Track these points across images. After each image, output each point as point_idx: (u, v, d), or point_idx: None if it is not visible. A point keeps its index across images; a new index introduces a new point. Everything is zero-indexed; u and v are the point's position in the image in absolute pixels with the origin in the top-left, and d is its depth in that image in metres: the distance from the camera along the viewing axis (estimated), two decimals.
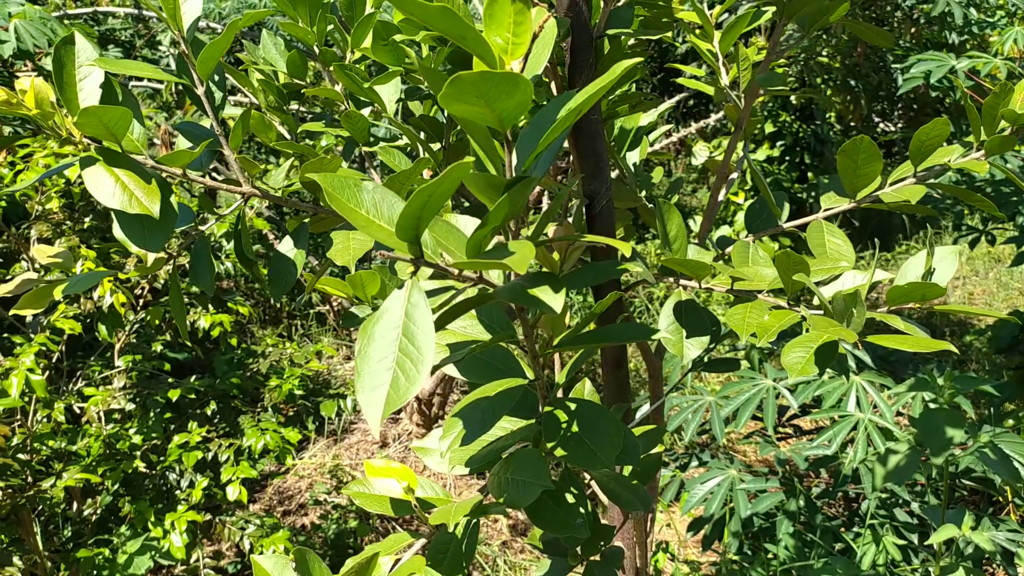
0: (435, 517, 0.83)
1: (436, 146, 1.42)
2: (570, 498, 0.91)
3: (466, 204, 1.51)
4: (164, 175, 0.91)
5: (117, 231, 0.87)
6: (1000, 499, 3.02)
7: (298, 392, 2.47)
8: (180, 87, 4.03)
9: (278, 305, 5.32)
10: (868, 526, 2.40)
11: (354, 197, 0.69)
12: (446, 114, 1.42)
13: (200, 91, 0.95)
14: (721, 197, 1.41)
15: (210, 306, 2.85)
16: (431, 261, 0.67)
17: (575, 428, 0.87)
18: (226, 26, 1.41)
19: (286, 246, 1.00)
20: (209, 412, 2.63)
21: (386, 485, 0.83)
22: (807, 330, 1.03)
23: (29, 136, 2.01)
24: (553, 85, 1.22)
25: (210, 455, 2.40)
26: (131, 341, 2.71)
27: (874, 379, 2.60)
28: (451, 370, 0.93)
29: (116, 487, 2.24)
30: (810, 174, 5.95)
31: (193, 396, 2.46)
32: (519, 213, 0.70)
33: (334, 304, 4.20)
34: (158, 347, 2.79)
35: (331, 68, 1.48)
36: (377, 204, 0.69)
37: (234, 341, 2.96)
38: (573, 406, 0.88)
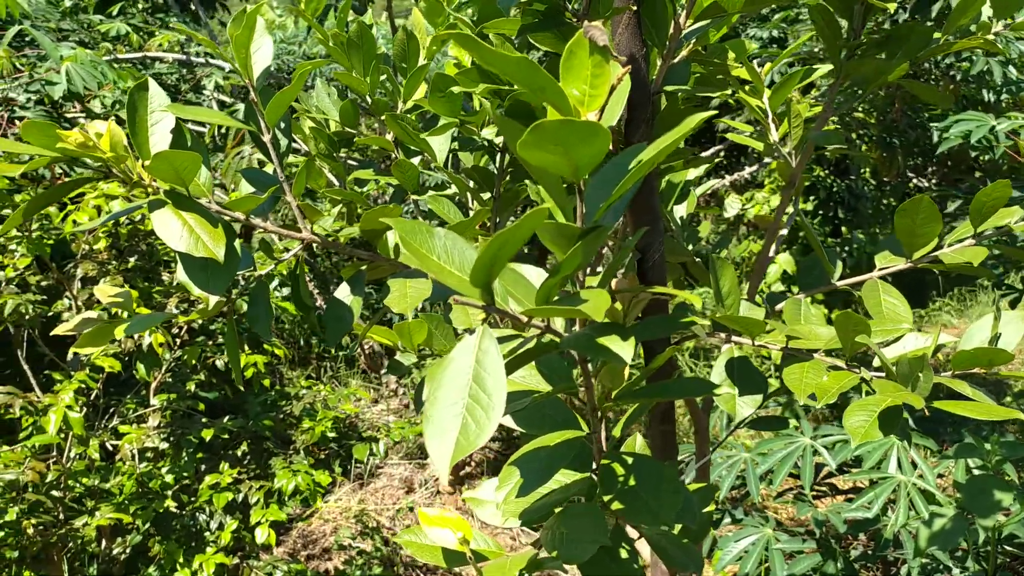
0: (489, 571, 0.81)
1: (486, 195, 1.43)
2: (624, 554, 0.89)
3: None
4: (227, 219, 0.92)
5: (180, 274, 0.88)
6: None
7: (330, 435, 2.46)
8: (223, 131, 4.08)
9: (307, 347, 5.34)
10: None
11: (426, 243, 0.69)
12: (496, 165, 1.43)
13: (266, 138, 0.96)
14: (772, 254, 1.40)
15: (246, 346, 2.87)
16: (501, 308, 0.67)
17: (632, 483, 0.85)
18: (292, 76, 1.43)
19: (342, 292, 1.01)
20: (239, 453, 2.62)
21: (440, 535, 0.82)
22: (866, 393, 1.02)
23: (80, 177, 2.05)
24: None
25: (240, 496, 2.39)
26: (166, 380, 2.73)
27: (916, 440, 2.55)
28: (505, 420, 0.92)
29: (147, 527, 2.23)
30: (843, 228, 5.92)
31: (226, 436, 2.46)
32: (589, 263, 0.69)
33: (365, 348, 4.21)
34: (192, 386, 2.80)
35: (383, 117, 1.50)
36: (448, 250, 0.70)
37: (267, 382, 2.96)
38: (630, 460, 0.87)
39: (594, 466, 0.92)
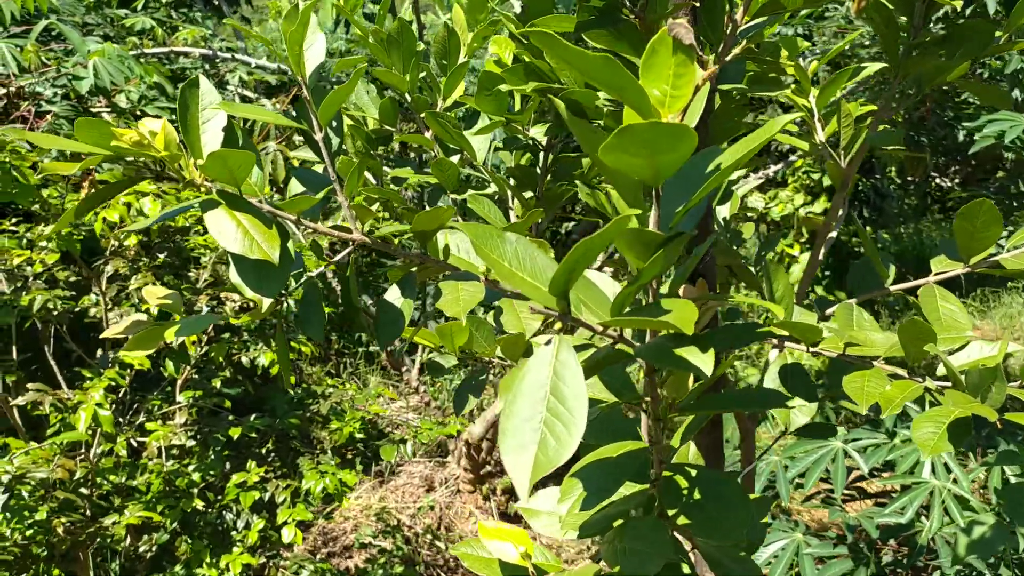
0: None
1: (528, 194, 1.41)
2: (686, 569, 0.87)
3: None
4: (280, 220, 0.90)
5: (233, 275, 0.86)
6: None
7: (359, 435, 2.45)
8: (246, 125, 4.06)
9: (327, 343, 5.33)
10: None
11: (498, 248, 0.67)
12: (540, 165, 1.40)
13: (318, 136, 0.94)
14: (820, 257, 1.37)
15: (271, 342, 2.85)
16: (576, 317, 0.65)
17: (697, 496, 0.83)
18: (334, 67, 1.41)
19: (393, 295, 0.98)
20: (264, 451, 2.61)
21: (501, 548, 0.80)
22: (930, 403, 0.98)
23: (132, 176, 2.03)
24: None
25: (267, 495, 2.37)
26: (192, 377, 2.72)
27: None
28: None
29: (174, 525, 2.22)
30: (868, 228, 5.86)
31: (253, 435, 2.45)
32: (667, 271, 0.67)
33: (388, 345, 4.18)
34: (217, 383, 2.79)
35: (423, 115, 1.48)
36: (519, 256, 0.67)
37: (292, 379, 2.95)
38: (694, 473, 0.84)
39: (651, 478, 0.89)
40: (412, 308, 0.96)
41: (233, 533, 2.36)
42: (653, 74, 0.63)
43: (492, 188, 1.52)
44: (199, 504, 2.27)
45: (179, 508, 2.20)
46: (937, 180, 7.76)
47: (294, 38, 0.91)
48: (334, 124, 0.96)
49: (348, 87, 0.90)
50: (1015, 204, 3.92)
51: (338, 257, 0.97)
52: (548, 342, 0.64)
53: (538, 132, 1.23)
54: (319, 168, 1.04)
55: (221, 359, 2.49)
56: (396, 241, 1.01)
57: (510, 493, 4.33)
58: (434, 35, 1.49)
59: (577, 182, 1.21)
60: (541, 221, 1.40)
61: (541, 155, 1.37)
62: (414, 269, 1.01)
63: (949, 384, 0.98)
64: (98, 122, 0.77)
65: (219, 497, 2.39)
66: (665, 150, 0.60)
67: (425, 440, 2.50)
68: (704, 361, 0.64)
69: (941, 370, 1.02)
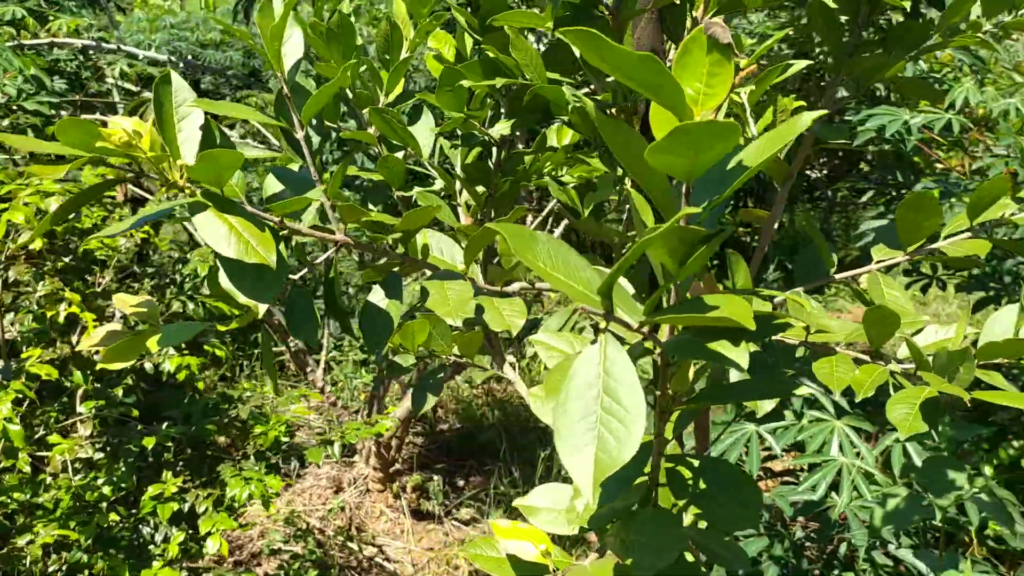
0: None
1: (481, 189, 1.40)
2: (690, 557, 0.88)
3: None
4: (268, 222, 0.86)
5: (224, 281, 0.82)
6: (966, 539, 3.09)
7: (284, 439, 2.38)
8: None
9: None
10: (861, 570, 2.43)
11: (531, 249, 0.66)
12: (491, 161, 1.40)
13: (299, 135, 0.91)
14: (764, 249, 1.41)
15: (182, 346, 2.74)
16: (618, 316, 0.65)
17: (702, 486, 0.85)
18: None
19: (377, 297, 0.96)
20: (176, 459, 2.51)
21: (519, 547, 0.79)
22: (894, 387, 1.04)
23: (111, 179, 1.91)
24: None
25: (186, 506, 2.28)
26: (93, 386, 2.58)
27: (854, 423, 2.64)
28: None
29: (88, 542, 2.10)
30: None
31: (169, 444, 2.35)
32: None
33: (291, 346, 4.09)
34: (119, 392, 2.66)
35: (366, 111, 1.45)
36: (552, 256, 0.67)
37: (200, 385, 2.84)
38: (697, 463, 0.86)
39: (647, 469, 0.91)
40: (399, 309, 0.94)
41: (152, 547, 2.26)
42: (687, 73, 0.64)
43: (439, 184, 1.50)
44: (115, 518, 2.16)
45: (93, 524, 2.09)
46: (807, 172, 8.14)
47: (274, 32, 0.88)
48: (313, 122, 0.93)
49: (334, 85, 0.87)
50: (894, 194, 4.15)
51: (321, 259, 0.94)
52: (593, 341, 0.64)
53: (504, 127, 1.23)
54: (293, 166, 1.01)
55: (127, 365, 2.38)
56: (384, 240, 0.98)
57: (421, 491, 4.30)
58: (377, 30, 1.47)
59: (547, 179, 1.21)
60: (494, 216, 1.40)
61: (494, 151, 1.36)
62: (396, 269, 0.99)
63: (912, 367, 1.03)
64: (82, 122, 0.73)
65: (134, 510, 2.28)
66: (708, 148, 0.61)
67: (353, 440, 2.45)
68: (739, 355, 0.66)
69: (901, 354, 1.08)
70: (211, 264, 2.41)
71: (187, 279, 2.63)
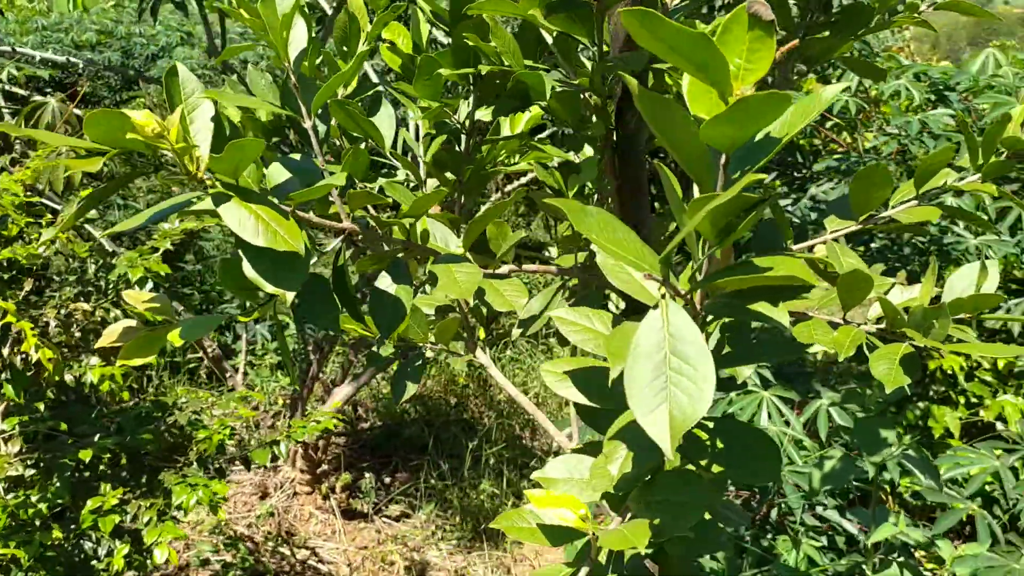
0: (607, 542, 0.82)
1: (451, 176, 1.41)
2: (707, 515, 0.93)
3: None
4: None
5: (248, 270, 0.82)
6: (882, 496, 3.28)
7: (230, 443, 2.33)
8: None
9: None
10: (795, 532, 2.55)
11: (585, 223, 0.69)
12: (463, 147, 1.41)
13: (307, 124, 0.91)
14: None
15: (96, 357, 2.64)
16: (672, 283, 0.68)
17: (720, 445, 0.89)
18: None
19: (385, 283, 0.97)
20: (112, 471, 2.43)
21: (558, 514, 0.82)
22: (866, 346, 1.11)
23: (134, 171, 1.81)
24: None
25: (128, 517, 2.21)
26: (16, 401, 2.47)
27: (780, 393, 2.76)
28: (573, 394, 0.93)
29: (30, 561, 2.02)
30: (656, 204, 6.24)
31: (106, 456, 2.27)
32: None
33: (208, 349, 3.99)
34: (41, 406, 2.55)
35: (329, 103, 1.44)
36: (602, 228, 0.70)
37: (126, 395, 2.75)
38: (711, 424, 0.91)
39: None
40: (410, 294, 0.95)
41: (95, 562, 2.18)
42: (727, 49, 0.68)
43: (402, 175, 1.51)
44: (58, 535, 2.08)
45: (36, 542, 2.01)
46: None
47: (282, 23, 0.88)
48: (320, 112, 0.93)
49: (343, 75, 0.88)
50: (795, 175, 4.33)
51: (330, 247, 0.95)
52: (622, 313, 0.68)
53: (484, 114, 1.24)
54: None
55: (57, 378, 2.28)
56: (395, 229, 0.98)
57: (350, 490, 4.26)
58: (335, 21, 1.46)
59: (532, 161, 1.24)
60: (464, 202, 1.42)
61: (463, 139, 1.38)
62: (401, 255, 1.00)
63: (883, 327, 1.11)
64: (113, 113, 0.71)
65: (73, 526, 2.20)
66: (761, 120, 0.64)
67: (300, 438, 2.42)
68: (779, 314, 0.70)
69: (872, 314, 1.15)
70: (143, 270, 2.34)
71: (111, 286, 2.53)
